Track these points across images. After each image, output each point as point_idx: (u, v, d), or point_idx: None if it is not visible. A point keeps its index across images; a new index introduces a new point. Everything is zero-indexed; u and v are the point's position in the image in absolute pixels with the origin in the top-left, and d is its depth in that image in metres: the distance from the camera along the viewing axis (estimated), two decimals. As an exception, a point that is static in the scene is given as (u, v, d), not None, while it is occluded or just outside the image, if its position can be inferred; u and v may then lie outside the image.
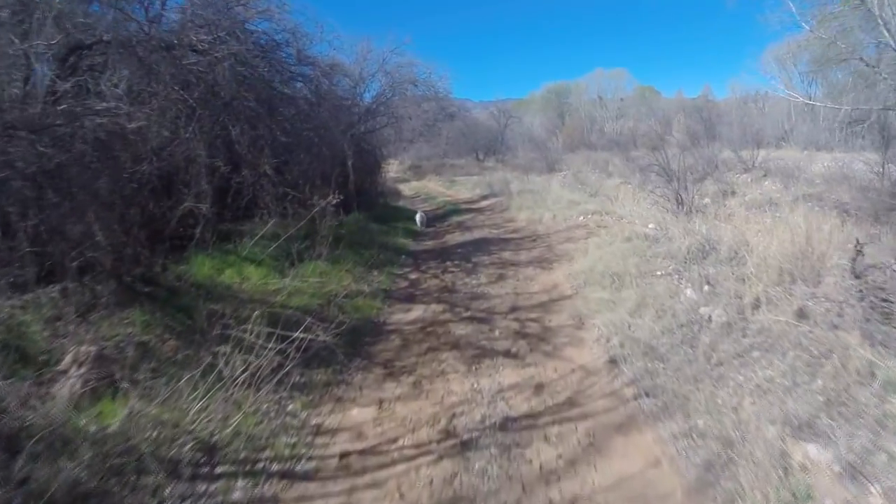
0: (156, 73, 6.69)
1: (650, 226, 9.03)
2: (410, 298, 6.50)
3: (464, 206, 15.35)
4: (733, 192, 17.16)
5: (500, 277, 7.04)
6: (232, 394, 3.98)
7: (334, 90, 10.35)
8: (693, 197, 12.98)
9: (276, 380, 4.14)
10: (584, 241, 8.38)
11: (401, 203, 17.56)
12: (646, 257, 7.05)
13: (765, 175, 19.90)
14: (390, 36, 16.85)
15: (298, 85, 7.85)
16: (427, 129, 42.24)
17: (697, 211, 12.82)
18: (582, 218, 10.06)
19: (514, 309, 5.83)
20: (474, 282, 6.91)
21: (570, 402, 3.93)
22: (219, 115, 7.16)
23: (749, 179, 19.24)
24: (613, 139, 34.59)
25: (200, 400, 3.88)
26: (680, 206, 12.91)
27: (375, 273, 7.46)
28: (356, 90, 12.63)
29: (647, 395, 3.95)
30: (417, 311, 5.98)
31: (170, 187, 7.06)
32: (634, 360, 4.44)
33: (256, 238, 7.34)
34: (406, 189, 24.81)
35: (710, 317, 5.14)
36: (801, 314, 4.84)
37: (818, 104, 14.36)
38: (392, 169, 36.76)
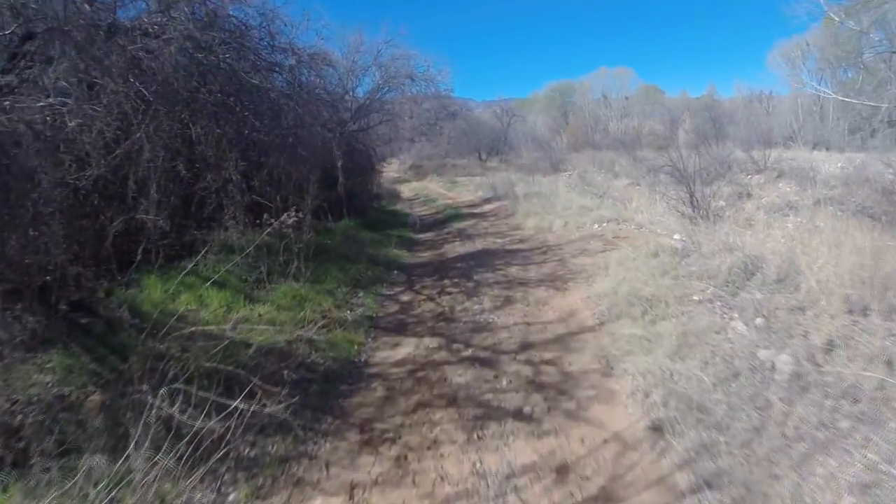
0: (99, 61, 5.69)
1: (676, 237, 8.01)
2: (400, 329, 5.47)
3: (465, 211, 14.28)
4: (749, 195, 16.25)
5: (507, 301, 6.01)
6: (154, 480, 2.97)
7: (319, 82, 9.32)
8: (709, 201, 12.03)
9: (217, 455, 3.15)
10: (602, 255, 7.34)
11: (398, 206, 16.55)
12: (678, 277, 6.03)
13: (778, 176, 19.07)
14: (385, 28, 15.75)
15: (274, 76, 6.81)
16: (428, 128, 41.33)
17: (715, 215, 11.95)
18: (597, 226, 9.02)
19: (524, 346, 4.80)
20: (476, 307, 5.87)
21: (606, 497, 2.91)
22: (180, 111, 6.15)
23: (762, 181, 18.40)
24: (618, 139, 33.92)
25: (111, 489, 2.88)
26: (696, 210, 11.98)
27: (361, 294, 6.43)
28: (347, 84, 11.60)
29: (709, 486, 2.92)
30: (407, 348, 4.95)
31: (123, 196, 6.07)
32: (685, 428, 3.40)
33: (221, 255, 6.34)
34: (405, 190, 23.82)
35: (773, 364, 4.10)
36: (889, 363, 3.85)
37: (855, 101, 13.22)
38: (392, 169, 35.99)
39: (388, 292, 6.64)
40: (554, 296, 6.13)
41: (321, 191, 10.01)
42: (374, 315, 5.85)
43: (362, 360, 4.76)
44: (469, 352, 4.72)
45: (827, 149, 27.36)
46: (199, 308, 5.53)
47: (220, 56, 5.90)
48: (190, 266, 6.15)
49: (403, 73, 12.27)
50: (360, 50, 11.90)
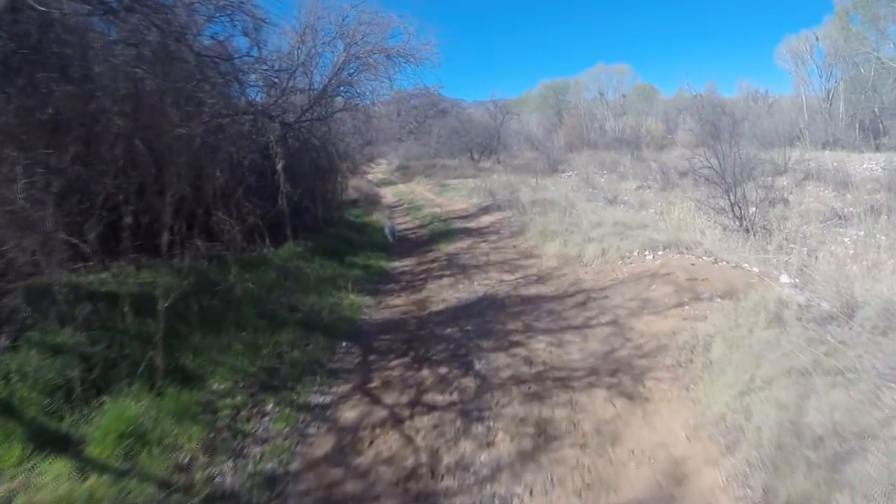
0: None
1: (784, 279, 5.21)
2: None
3: (458, 224, 11.19)
4: (785, 201, 13.84)
5: (542, 433, 3.09)
6: None
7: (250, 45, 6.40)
8: (754, 210, 9.36)
9: None
10: (681, 314, 4.51)
11: (374, 216, 13.54)
12: (844, 376, 3.23)
13: (805, 178, 17.03)
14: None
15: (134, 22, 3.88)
16: (416, 126, 38.53)
17: (764, 228, 9.08)
18: (650, 256, 6.17)
19: None
20: (482, 456, 2.91)
21: None
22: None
23: (787, 183, 16.25)
24: (617, 138, 31.89)
25: None
26: (741, 222, 9.26)
27: (270, 407, 3.51)
28: (295, 58, 8.53)
29: None
30: None
31: None
32: None
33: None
34: (389, 194, 20.92)
35: None
36: None
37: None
38: (380, 170, 33.25)
39: (322, 399, 3.68)
40: (627, 417, 3.24)
41: (259, 203, 7.14)
42: (282, 470, 2.92)
43: None
44: None
45: (843, 148, 25.29)
46: None
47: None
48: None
49: (377, 47, 9.22)
50: (320, 15, 8.90)
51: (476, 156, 31.71)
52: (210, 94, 5.61)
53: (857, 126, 29.86)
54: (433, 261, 8.01)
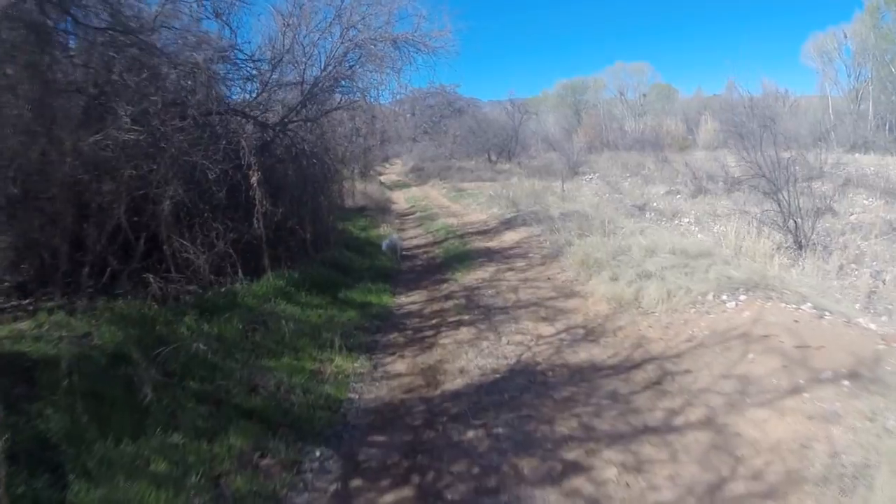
0: None
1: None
2: None
3: (477, 243, 9.55)
4: (832, 210, 12.25)
5: None
6: None
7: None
8: (810, 224, 8.07)
9: None
10: (802, 410, 3.05)
11: (381, 229, 12.03)
12: None
13: (844, 184, 15.47)
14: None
15: None
16: (431, 126, 37.11)
17: (823, 246, 8.08)
18: (732, 303, 4.67)
19: None
20: None
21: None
22: None
23: (825, 188, 14.73)
24: (638, 139, 30.42)
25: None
26: (796, 238, 8.20)
27: None
28: (279, 45, 7.00)
29: None
30: None
31: None
32: None
33: None
34: (402, 199, 19.52)
35: None
36: None
37: None
38: (394, 171, 32.11)
39: None
40: None
41: (231, 225, 5.78)
42: None
43: None
44: None
45: (873, 150, 23.67)
46: None
47: None
48: None
49: (379, 34, 7.66)
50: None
51: (494, 157, 30.19)
52: (150, 89, 4.26)
53: (888, 127, 28.26)
54: (447, 297, 6.47)
